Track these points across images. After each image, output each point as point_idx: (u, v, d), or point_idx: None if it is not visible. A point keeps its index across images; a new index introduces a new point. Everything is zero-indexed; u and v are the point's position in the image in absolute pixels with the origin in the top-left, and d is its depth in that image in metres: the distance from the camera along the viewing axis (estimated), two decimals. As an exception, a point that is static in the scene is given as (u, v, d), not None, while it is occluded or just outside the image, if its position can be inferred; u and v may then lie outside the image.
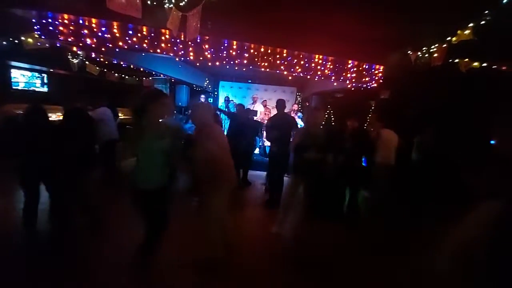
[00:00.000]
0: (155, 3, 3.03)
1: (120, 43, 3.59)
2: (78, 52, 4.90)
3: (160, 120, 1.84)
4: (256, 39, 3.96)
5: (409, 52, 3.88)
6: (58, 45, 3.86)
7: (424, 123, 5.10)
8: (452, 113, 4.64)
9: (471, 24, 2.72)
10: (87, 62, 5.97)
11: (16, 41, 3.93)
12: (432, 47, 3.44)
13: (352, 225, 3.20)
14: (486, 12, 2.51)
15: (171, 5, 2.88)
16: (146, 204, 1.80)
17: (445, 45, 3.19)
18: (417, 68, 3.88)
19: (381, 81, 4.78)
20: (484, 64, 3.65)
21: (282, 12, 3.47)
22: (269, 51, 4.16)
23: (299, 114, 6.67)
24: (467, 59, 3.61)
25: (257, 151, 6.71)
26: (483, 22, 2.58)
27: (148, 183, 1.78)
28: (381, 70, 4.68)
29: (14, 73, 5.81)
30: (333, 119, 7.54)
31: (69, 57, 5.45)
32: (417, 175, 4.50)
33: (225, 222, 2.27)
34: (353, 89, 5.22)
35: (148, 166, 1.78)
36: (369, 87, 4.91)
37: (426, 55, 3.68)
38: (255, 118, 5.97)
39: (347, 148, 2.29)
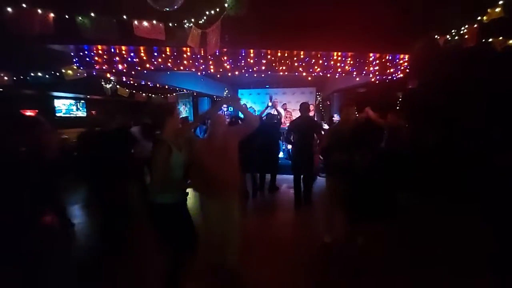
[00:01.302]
0: (176, 24, 3.24)
1: (147, 65, 3.88)
2: (111, 78, 5.36)
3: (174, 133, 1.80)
4: (272, 45, 4.02)
5: (436, 36, 3.65)
6: (94, 73, 4.28)
7: (457, 112, 4.71)
8: (490, 95, 4.23)
9: (501, 2, 2.50)
10: (117, 86, 6.52)
11: (58, 74, 4.44)
12: (462, 28, 3.20)
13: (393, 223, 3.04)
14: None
15: (191, 24, 3.06)
16: (167, 220, 1.70)
17: (476, 25, 2.95)
18: (447, 52, 3.63)
19: (407, 70, 4.53)
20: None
21: (295, 15, 3.50)
22: (286, 54, 4.19)
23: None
24: (501, 38, 3.29)
25: (281, 154, 6.70)
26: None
27: (168, 197, 1.70)
28: (406, 59, 4.44)
29: (57, 102, 6.53)
30: (357, 115, 7.27)
31: (102, 83, 6.00)
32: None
33: (226, 230, 2.10)
34: (377, 82, 5.01)
35: (167, 180, 1.68)
36: (394, 78, 4.68)
37: (456, 37, 3.44)
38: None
39: (379, 144, 2.15)
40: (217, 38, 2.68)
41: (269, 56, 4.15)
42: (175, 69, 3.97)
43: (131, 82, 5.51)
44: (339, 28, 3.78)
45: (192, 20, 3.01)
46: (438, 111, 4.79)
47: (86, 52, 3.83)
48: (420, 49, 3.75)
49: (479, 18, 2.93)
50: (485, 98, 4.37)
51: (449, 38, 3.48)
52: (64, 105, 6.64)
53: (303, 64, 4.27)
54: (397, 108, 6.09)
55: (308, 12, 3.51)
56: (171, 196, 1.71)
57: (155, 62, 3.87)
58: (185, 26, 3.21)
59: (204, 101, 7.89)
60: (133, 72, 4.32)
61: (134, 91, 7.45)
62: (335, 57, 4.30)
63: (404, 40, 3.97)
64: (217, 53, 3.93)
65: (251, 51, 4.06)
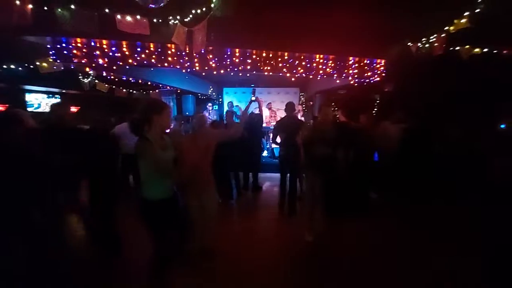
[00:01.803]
0: (161, 20, 3.22)
1: (130, 61, 3.79)
2: (89, 72, 5.15)
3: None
4: (257, 45, 4.10)
5: (409, 43, 3.93)
6: (72, 67, 4.10)
7: (430, 114, 5.12)
8: (457, 100, 4.64)
9: (466, 13, 2.78)
10: (96, 81, 6.26)
11: (31, 66, 4.20)
12: (432, 37, 3.49)
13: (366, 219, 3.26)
14: (479, 0, 2.57)
15: (176, 22, 3.06)
16: (155, 216, 1.74)
17: (444, 35, 3.24)
18: (418, 59, 3.93)
19: (383, 74, 4.83)
20: (485, 50, 3.67)
21: (280, 17, 3.60)
22: (270, 55, 4.28)
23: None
24: (468, 46, 3.64)
25: (265, 153, 6.82)
26: (477, 10, 2.63)
27: (157, 194, 1.75)
28: (382, 64, 4.73)
29: (29, 96, 6.13)
30: (337, 116, 7.58)
31: (80, 77, 5.74)
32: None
33: (201, 225, 2.26)
34: (356, 85, 5.28)
35: (156, 178, 1.73)
36: (372, 81, 4.96)
37: (427, 45, 3.73)
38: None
39: (357, 143, 2.29)
40: (203, 37, 2.71)
41: (254, 56, 4.22)
42: (159, 65, 3.91)
43: (112, 77, 5.32)
44: (322, 32, 3.96)
45: (178, 17, 3.00)
46: (413, 112, 5.16)
47: (64, 45, 3.65)
48: (395, 55, 4.02)
49: (446, 28, 3.21)
50: (453, 102, 4.79)
51: (420, 46, 3.77)
52: (37, 100, 6.26)
53: (287, 65, 4.40)
54: (374, 109, 6.47)
55: (292, 15, 3.63)
56: (158, 193, 1.75)
57: (138, 58, 3.79)
58: (170, 22, 3.20)
59: (189, 98, 7.79)
60: (114, 67, 4.19)
61: (114, 87, 7.19)
62: (317, 60, 4.47)
63: (381, 46, 4.24)
64: (203, 51, 3.93)
65: (237, 50, 4.11)
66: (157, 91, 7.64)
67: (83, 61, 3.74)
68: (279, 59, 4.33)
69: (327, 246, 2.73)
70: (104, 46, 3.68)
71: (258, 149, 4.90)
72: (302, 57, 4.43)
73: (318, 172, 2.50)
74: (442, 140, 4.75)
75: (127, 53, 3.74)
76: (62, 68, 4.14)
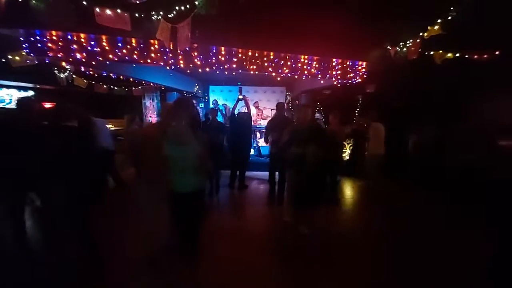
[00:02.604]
0: (143, 16, 3.13)
1: (110, 56, 3.65)
2: (66, 66, 4.90)
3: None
4: (243, 44, 4.10)
5: (388, 47, 4.11)
6: (47, 61, 3.88)
7: (408, 114, 5.41)
8: (432, 102, 4.94)
9: (439, 20, 2.95)
10: (74, 76, 5.96)
11: (3, 60, 3.94)
12: (408, 42, 3.67)
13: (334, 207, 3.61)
14: (451, 8, 2.74)
15: (159, 17, 2.99)
16: (180, 206, 1.88)
17: (418, 40, 3.42)
18: (396, 62, 4.12)
19: (365, 76, 5.01)
20: (457, 55, 3.91)
21: (266, 17, 3.63)
22: (256, 54, 4.30)
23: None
24: (441, 51, 3.86)
25: (252, 152, 6.85)
26: (449, 18, 2.81)
27: (183, 187, 1.88)
28: (364, 66, 4.90)
29: (0, 92, 5.74)
30: (323, 115, 7.77)
31: (56, 72, 5.44)
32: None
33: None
34: (339, 85, 5.43)
35: (181, 172, 1.86)
36: (354, 82, 5.13)
37: (404, 49, 3.92)
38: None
39: (326, 141, 2.54)
40: (188, 34, 2.67)
41: (240, 55, 4.22)
42: (142, 61, 3.80)
43: (91, 72, 5.09)
44: (307, 34, 4.04)
45: (161, 13, 2.94)
46: (393, 112, 5.42)
47: (38, 38, 3.45)
48: (375, 57, 4.19)
49: (421, 34, 3.39)
50: (428, 102, 5.09)
51: (398, 50, 3.96)
52: (8, 95, 5.85)
53: (273, 64, 4.44)
54: (357, 109, 6.71)
55: (278, 16, 3.67)
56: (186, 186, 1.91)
57: (119, 53, 3.66)
58: (153, 18, 3.12)
59: (173, 96, 7.62)
60: (93, 62, 4.01)
61: (93, 82, 6.89)
62: (302, 60, 4.55)
63: (362, 48, 4.40)
64: (187, 49, 3.88)
65: (222, 48, 4.09)
66: (139, 87, 7.41)
67: (58, 55, 3.55)
68: (265, 59, 4.37)
69: (311, 242, 2.84)
70: (82, 40, 3.51)
71: (246, 147, 4.91)
72: (287, 57, 4.49)
73: (294, 169, 2.66)
74: (419, 136, 5.07)
75: (107, 48, 3.60)
76: (36, 62, 3.91)
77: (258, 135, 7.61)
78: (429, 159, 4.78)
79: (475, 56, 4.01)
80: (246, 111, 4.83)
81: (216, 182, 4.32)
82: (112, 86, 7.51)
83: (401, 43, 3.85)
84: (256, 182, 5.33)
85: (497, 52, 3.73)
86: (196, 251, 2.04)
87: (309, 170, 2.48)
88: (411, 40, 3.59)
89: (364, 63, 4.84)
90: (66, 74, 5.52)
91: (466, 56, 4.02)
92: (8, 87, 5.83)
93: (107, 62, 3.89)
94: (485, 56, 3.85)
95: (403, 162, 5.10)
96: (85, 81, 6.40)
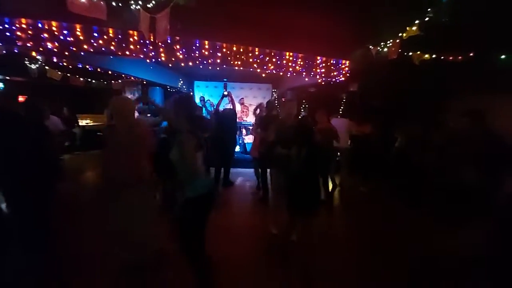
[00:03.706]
0: (120, 5, 2.97)
1: (85, 46, 3.44)
2: (37, 57, 4.58)
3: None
4: (227, 39, 4.03)
5: (370, 47, 4.21)
6: (15, 50, 3.59)
7: (388, 112, 5.60)
8: (408, 102, 5.14)
9: (417, 21, 3.05)
10: (47, 68, 5.59)
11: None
12: (388, 42, 3.78)
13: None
14: (429, 9, 2.84)
15: (138, 7, 2.85)
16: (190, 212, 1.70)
17: (398, 40, 3.52)
18: (377, 62, 4.24)
19: (348, 75, 5.11)
20: (434, 56, 4.08)
21: (252, 12, 3.59)
22: (241, 50, 4.24)
23: None
24: (419, 52, 4.01)
25: (237, 148, 6.80)
26: (426, 19, 2.91)
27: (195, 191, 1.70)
28: (347, 65, 5.00)
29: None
30: (308, 112, 7.87)
31: (26, 62, 5.08)
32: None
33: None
34: (323, 83, 5.51)
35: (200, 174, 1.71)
36: (338, 81, 5.22)
37: (385, 49, 4.03)
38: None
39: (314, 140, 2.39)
40: (166, 25, 2.56)
41: (224, 50, 4.14)
42: (120, 53, 3.62)
43: (64, 64, 4.79)
44: (292, 30, 4.05)
45: (140, 2, 2.80)
46: (375, 110, 5.59)
47: (6, 26, 3.16)
48: (357, 57, 4.28)
49: (400, 34, 3.49)
50: (408, 101, 5.29)
51: (380, 50, 4.06)
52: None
53: (258, 60, 4.41)
54: (341, 108, 6.85)
55: (264, 11, 3.63)
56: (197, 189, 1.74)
57: (95, 44, 3.45)
58: (131, 7, 2.97)
59: (156, 91, 7.38)
60: (66, 53, 3.76)
61: (68, 75, 6.50)
62: (287, 57, 4.55)
63: (346, 47, 4.48)
64: (169, 41, 3.74)
65: (206, 42, 3.99)
66: (119, 81, 7.09)
67: (28, 44, 3.29)
68: (250, 54, 4.32)
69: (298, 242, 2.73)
70: (54, 29, 3.27)
71: (231, 144, 4.85)
72: (272, 54, 4.47)
73: (278, 169, 2.55)
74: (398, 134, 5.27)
75: (81, 37, 3.38)
76: (4, 51, 3.61)
77: (244, 131, 7.57)
78: (409, 158, 4.96)
79: (450, 58, 4.21)
80: (231, 107, 4.78)
81: None
82: (89, 79, 7.13)
83: (382, 43, 3.95)
84: (242, 179, 5.31)
85: (471, 54, 3.92)
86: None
87: (297, 171, 2.26)
88: (391, 41, 3.68)
89: (347, 62, 4.94)
90: (37, 65, 5.17)
91: (442, 57, 4.20)
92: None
93: (82, 53, 3.66)
94: (460, 57, 4.04)
95: (386, 161, 5.27)
96: (59, 73, 6.02)
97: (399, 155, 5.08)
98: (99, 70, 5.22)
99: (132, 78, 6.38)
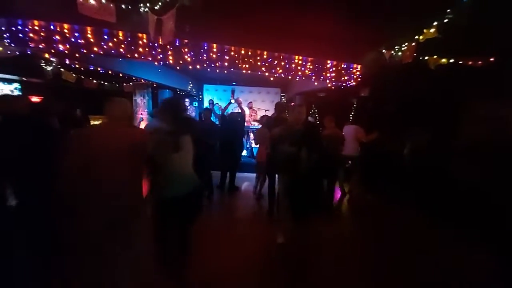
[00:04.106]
0: (129, 7, 2.99)
1: (95, 49, 3.49)
2: (51, 59, 4.71)
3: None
4: (236, 42, 3.99)
5: (383, 50, 4.05)
6: (28, 52, 3.69)
7: (402, 119, 5.37)
8: (422, 109, 4.90)
9: (435, 23, 2.89)
10: (62, 69, 5.75)
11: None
12: (403, 45, 3.61)
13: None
14: (448, 10, 2.68)
15: (146, 9, 2.86)
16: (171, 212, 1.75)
17: (413, 44, 3.35)
18: (391, 66, 4.07)
19: (359, 79, 4.95)
20: (451, 60, 3.87)
21: (261, 15, 3.53)
22: (249, 53, 4.19)
23: None
24: (435, 56, 3.81)
25: (244, 153, 6.73)
26: (446, 21, 2.74)
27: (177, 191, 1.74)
28: (359, 69, 4.84)
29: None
30: (317, 118, 7.70)
31: (42, 64, 5.23)
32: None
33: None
34: (333, 88, 5.36)
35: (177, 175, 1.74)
36: (349, 85, 5.07)
37: (399, 53, 3.86)
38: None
39: (320, 143, 2.30)
40: (172, 27, 2.54)
41: (232, 53, 4.10)
42: (129, 56, 3.64)
43: (77, 66, 4.91)
44: (302, 33, 3.96)
45: (148, 4, 2.80)
46: (387, 117, 5.38)
47: (19, 27, 3.26)
48: (370, 61, 4.12)
49: (416, 37, 3.32)
50: (422, 108, 5.05)
51: (393, 54, 3.89)
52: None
53: (266, 64, 4.33)
54: (351, 113, 6.65)
55: (273, 14, 3.57)
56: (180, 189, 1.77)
57: (105, 46, 3.50)
58: (140, 10, 2.98)
59: (165, 93, 7.46)
60: (77, 55, 3.83)
61: (82, 77, 6.66)
62: (296, 60, 4.46)
63: (357, 51, 4.33)
64: (177, 44, 3.74)
65: (214, 45, 3.96)
66: (130, 84, 7.21)
67: (40, 46, 3.37)
68: (258, 58, 4.26)
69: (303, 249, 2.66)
70: (66, 31, 3.34)
71: (238, 148, 4.79)
72: (281, 57, 4.40)
73: (284, 173, 2.47)
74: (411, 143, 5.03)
75: (92, 40, 3.44)
76: (17, 53, 3.71)
77: (252, 136, 7.50)
78: (422, 166, 4.74)
79: (470, 62, 3.98)
80: (240, 111, 4.74)
81: (208, 183, 4.14)
82: (102, 82, 7.29)
83: (396, 47, 3.78)
84: (248, 184, 5.21)
85: (491, 59, 3.69)
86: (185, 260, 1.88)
87: (301, 174, 2.23)
88: (406, 44, 3.52)
89: (359, 66, 4.79)
90: (52, 67, 5.31)
91: (460, 62, 3.98)
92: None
93: (92, 56, 3.71)
94: (479, 62, 3.81)
95: (398, 170, 5.04)
96: (73, 75, 6.18)
97: (413, 163, 4.86)
98: (110, 72, 5.32)
99: (142, 80, 6.48)
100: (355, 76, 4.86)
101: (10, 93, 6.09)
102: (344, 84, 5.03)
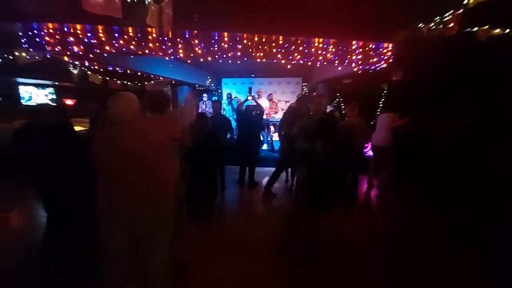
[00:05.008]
0: (135, 1, 2.87)
1: (107, 47, 3.49)
2: (75, 62, 4.90)
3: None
4: (248, 29, 3.72)
5: (420, 25, 3.45)
6: (47, 56, 3.82)
7: (440, 103, 4.66)
8: (472, 92, 4.16)
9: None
10: (88, 72, 6.01)
11: (11, 57, 3.96)
12: (445, 16, 3.01)
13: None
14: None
15: (151, 0, 2.71)
16: None
17: (460, 11, 2.75)
18: (430, 42, 3.45)
19: (391, 61, 4.36)
20: (507, 31, 3.14)
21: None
22: (263, 39, 3.89)
23: None
24: (486, 27, 3.12)
25: (265, 146, 6.53)
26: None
27: None
28: (390, 49, 4.25)
29: (20, 89, 5.95)
30: (343, 107, 7.13)
31: (69, 68, 5.50)
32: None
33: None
34: (360, 72, 4.82)
35: None
36: (378, 69, 4.50)
37: (440, 25, 3.24)
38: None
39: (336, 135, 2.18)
40: (169, 13, 2.36)
41: (245, 41, 3.83)
42: (140, 52, 3.59)
43: (97, 67, 5.06)
44: (320, 12, 3.52)
45: (151, -5, 2.65)
46: (422, 104, 4.72)
47: (35, 31, 3.37)
48: (403, 38, 3.55)
49: (465, 2, 2.72)
50: (465, 90, 4.31)
51: (433, 27, 3.28)
52: (27, 93, 6.07)
53: (282, 50, 4.00)
54: (381, 100, 5.99)
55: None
56: None
57: (116, 44, 3.48)
58: (145, 2, 2.85)
59: (184, 90, 7.49)
60: (91, 55, 3.89)
61: (107, 78, 6.94)
62: (316, 44, 4.04)
63: (388, 28, 3.77)
64: (187, 36, 3.59)
65: (225, 34, 3.73)
66: (151, 82, 7.35)
67: (56, 49, 3.45)
68: (273, 44, 3.93)
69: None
70: (78, 32, 3.37)
71: (255, 143, 4.59)
72: (299, 42, 4.01)
73: (302, 164, 2.40)
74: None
75: (103, 39, 3.43)
76: (38, 57, 3.87)
77: (272, 129, 7.22)
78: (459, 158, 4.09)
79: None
80: (256, 104, 4.51)
81: (211, 183, 3.95)
82: (125, 82, 7.54)
83: (436, 18, 3.18)
84: (268, 179, 4.99)
85: None
86: None
87: (319, 166, 2.20)
88: (451, 12, 2.92)
89: (390, 45, 4.19)
90: (77, 70, 5.57)
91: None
92: (25, 84, 6.03)
93: (105, 55, 3.73)
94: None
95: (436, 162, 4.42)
96: (100, 77, 6.45)
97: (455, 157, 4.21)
98: (128, 71, 5.41)
99: (160, 78, 6.53)
100: (385, 57, 4.28)
101: (45, 97, 6.60)
102: (373, 68, 4.48)
